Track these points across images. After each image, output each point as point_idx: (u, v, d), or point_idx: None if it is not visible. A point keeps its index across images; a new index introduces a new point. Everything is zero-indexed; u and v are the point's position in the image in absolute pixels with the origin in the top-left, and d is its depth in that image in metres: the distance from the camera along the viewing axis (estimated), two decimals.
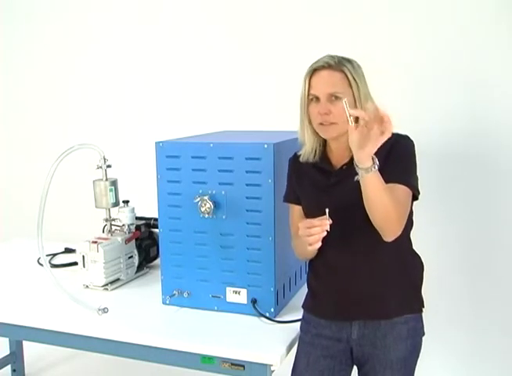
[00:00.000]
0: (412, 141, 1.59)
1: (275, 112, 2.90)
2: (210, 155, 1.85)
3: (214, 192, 1.86)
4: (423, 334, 1.68)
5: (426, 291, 1.71)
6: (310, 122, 1.62)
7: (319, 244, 1.45)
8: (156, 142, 1.92)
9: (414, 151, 1.58)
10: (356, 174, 1.41)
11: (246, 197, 1.83)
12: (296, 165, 1.73)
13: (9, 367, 2.96)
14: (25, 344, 2.98)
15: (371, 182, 1.39)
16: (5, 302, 2.06)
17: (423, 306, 1.68)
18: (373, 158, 1.37)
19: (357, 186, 1.46)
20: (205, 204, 1.84)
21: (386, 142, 1.40)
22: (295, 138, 2.00)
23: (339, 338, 1.65)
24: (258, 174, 1.80)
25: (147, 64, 3.24)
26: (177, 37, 3.13)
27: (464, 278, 2.69)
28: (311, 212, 1.61)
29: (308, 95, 1.58)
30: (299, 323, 1.80)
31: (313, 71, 1.57)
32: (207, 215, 1.86)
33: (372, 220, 1.48)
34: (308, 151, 1.66)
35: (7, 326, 1.94)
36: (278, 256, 1.85)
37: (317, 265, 1.71)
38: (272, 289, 1.85)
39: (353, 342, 1.64)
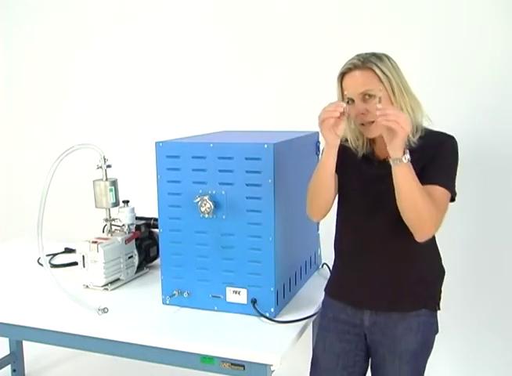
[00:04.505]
0: (456, 142, 1.60)
1: (275, 112, 2.90)
2: (210, 155, 1.85)
3: (214, 192, 1.85)
4: (437, 331, 1.71)
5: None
6: (350, 122, 1.62)
7: (336, 139, 1.50)
8: (156, 142, 1.91)
9: (456, 153, 1.60)
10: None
11: (247, 197, 1.83)
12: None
13: (9, 367, 2.96)
14: (25, 344, 2.98)
15: (401, 174, 1.45)
16: (5, 302, 2.06)
17: (439, 308, 1.71)
18: (404, 151, 1.42)
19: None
20: (205, 204, 1.84)
21: (433, 142, 1.54)
22: (295, 138, 2.01)
23: (354, 323, 1.70)
24: (258, 174, 1.80)
25: (147, 64, 3.24)
26: (177, 37, 3.13)
27: (463, 278, 2.69)
28: (349, 194, 1.68)
29: (343, 98, 1.58)
30: (299, 323, 1.80)
31: (342, 75, 1.58)
32: (207, 215, 1.85)
33: (402, 216, 1.51)
34: (355, 149, 1.67)
35: (7, 326, 1.94)
36: (278, 256, 1.85)
37: (342, 247, 1.75)
38: (272, 289, 1.84)
39: (366, 329, 1.69)
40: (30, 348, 2.99)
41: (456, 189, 1.60)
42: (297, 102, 2.82)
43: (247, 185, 1.82)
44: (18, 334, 2.12)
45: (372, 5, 2.67)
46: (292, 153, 1.95)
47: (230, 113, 3.02)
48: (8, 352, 2.95)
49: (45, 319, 1.91)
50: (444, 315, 2.65)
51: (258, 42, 2.93)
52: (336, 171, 1.61)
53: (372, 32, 2.66)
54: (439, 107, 2.56)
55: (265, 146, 1.78)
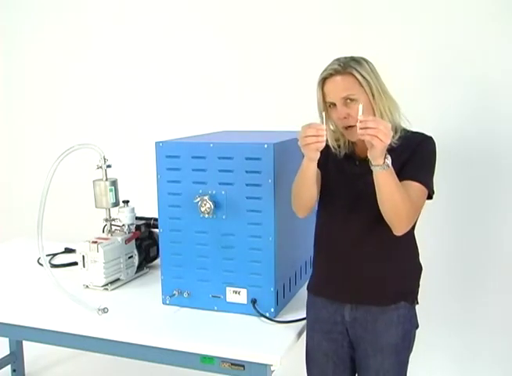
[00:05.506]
0: (434, 142, 1.64)
1: (275, 112, 2.90)
2: (210, 155, 1.85)
3: (214, 192, 1.86)
4: (417, 326, 1.74)
5: (421, 291, 1.74)
6: (330, 124, 1.64)
7: (317, 155, 1.51)
8: (156, 142, 1.92)
9: (435, 152, 1.64)
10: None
11: (247, 197, 1.83)
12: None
13: (9, 367, 2.96)
14: (25, 344, 2.98)
15: (382, 179, 1.48)
16: (5, 302, 2.07)
17: (417, 302, 1.74)
18: (385, 157, 1.45)
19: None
20: (205, 204, 1.84)
21: (412, 141, 1.58)
22: (295, 138, 2.00)
23: (334, 320, 1.72)
24: (258, 174, 1.80)
25: (147, 64, 3.23)
26: (177, 37, 3.12)
27: (458, 278, 2.69)
28: (331, 192, 1.69)
29: (325, 102, 1.61)
30: (299, 323, 1.81)
31: (323, 80, 1.60)
32: (207, 215, 1.86)
33: (383, 214, 1.56)
34: (336, 150, 1.69)
35: (7, 326, 1.94)
36: (278, 256, 1.85)
37: (323, 244, 1.76)
38: (272, 289, 1.85)
39: (347, 324, 1.70)
40: (30, 348, 2.99)
41: (442, 187, 1.62)
42: (297, 102, 2.81)
43: (247, 185, 1.82)
44: (18, 334, 2.12)
45: (372, 5, 2.67)
46: (292, 153, 1.95)
47: (230, 113, 3.02)
48: (8, 352, 2.95)
49: (45, 319, 1.91)
50: (439, 315, 2.67)
51: (258, 42, 2.93)
52: (319, 167, 1.63)
53: (372, 32, 2.66)
54: (438, 106, 2.58)
55: (265, 146, 1.78)
